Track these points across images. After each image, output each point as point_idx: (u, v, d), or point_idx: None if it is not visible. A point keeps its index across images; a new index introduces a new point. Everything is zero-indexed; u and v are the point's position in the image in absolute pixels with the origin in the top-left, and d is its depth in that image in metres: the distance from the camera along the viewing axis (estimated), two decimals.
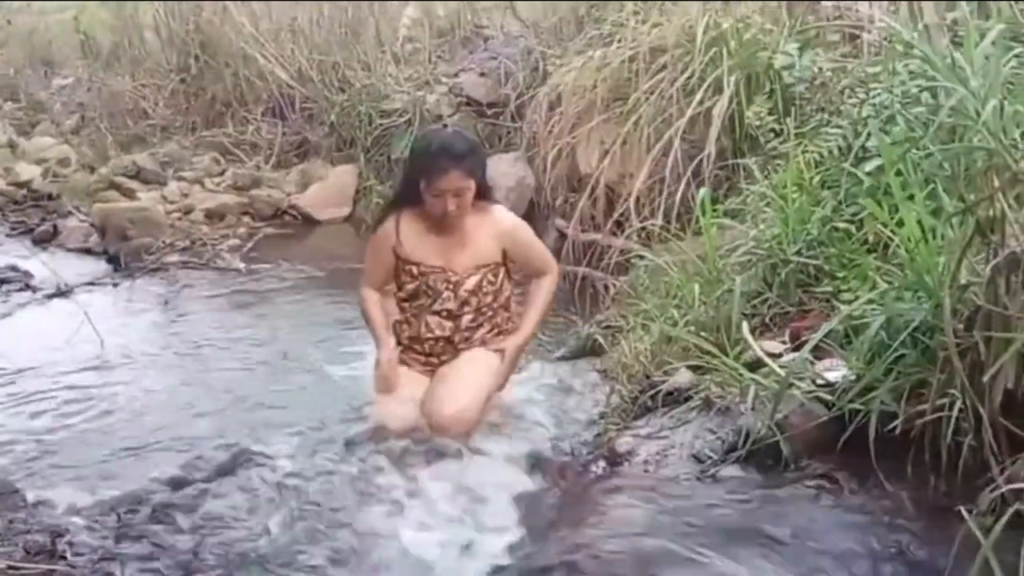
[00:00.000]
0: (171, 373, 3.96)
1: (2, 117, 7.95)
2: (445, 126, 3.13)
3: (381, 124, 6.32)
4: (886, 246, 2.65)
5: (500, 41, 6.54)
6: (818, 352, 2.64)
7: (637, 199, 4.29)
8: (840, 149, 2.99)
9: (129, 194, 6.28)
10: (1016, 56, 2.69)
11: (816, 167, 3.12)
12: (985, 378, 2.08)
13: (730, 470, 2.51)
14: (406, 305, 3.15)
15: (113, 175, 6.49)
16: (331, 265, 5.46)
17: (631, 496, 2.51)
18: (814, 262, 2.95)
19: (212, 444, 3.11)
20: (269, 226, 6.22)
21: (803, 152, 3.15)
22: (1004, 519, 1.83)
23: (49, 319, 4.61)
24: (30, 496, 2.75)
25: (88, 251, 5.68)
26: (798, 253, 2.97)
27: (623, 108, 4.49)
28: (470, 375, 3.03)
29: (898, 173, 2.46)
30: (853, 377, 2.45)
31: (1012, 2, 2.82)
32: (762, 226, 3.11)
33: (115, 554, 2.44)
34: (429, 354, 3.13)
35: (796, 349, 2.69)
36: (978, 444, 2.16)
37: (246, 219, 6.27)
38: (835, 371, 2.57)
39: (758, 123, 3.59)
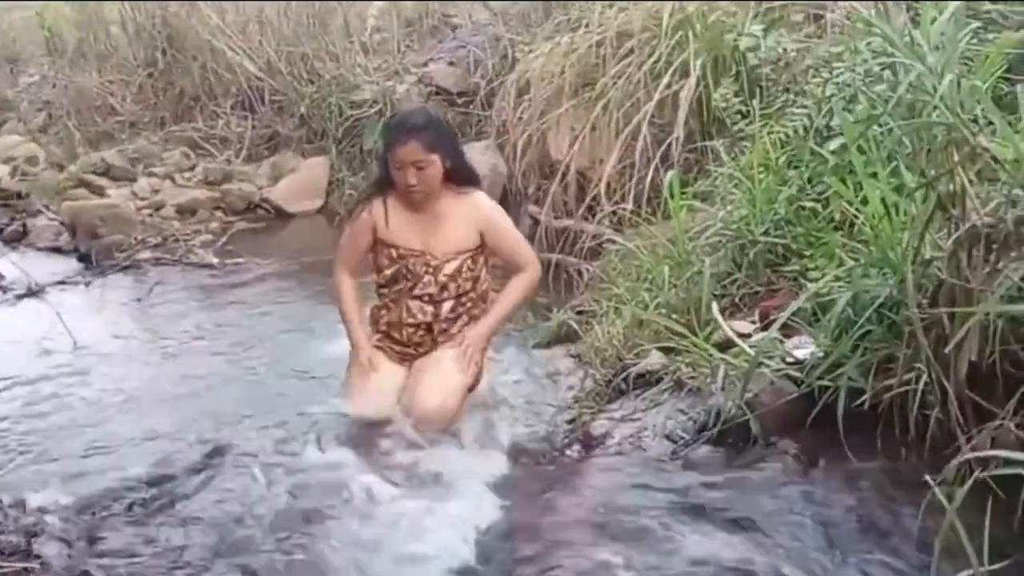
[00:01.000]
0: (145, 370, 3.93)
1: None
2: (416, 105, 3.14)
3: (351, 115, 6.29)
4: (852, 224, 2.68)
5: (468, 29, 6.52)
6: (787, 330, 2.67)
7: (608, 184, 4.30)
8: (805, 129, 3.02)
9: (99, 191, 6.22)
10: (975, 33, 2.74)
11: (782, 147, 3.14)
12: (947, 350, 2.10)
13: (702, 449, 2.54)
14: (385, 291, 3.14)
15: (82, 173, 6.42)
16: (305, 258, 5.43)
17: (606, 478, 2.54)
18: (782, 241, 2.98)
19: (187, 440, 3.11)
20: (241, 220, 6.18)
21: (769, 133, 3.17)
22: (967, 486, 1.87)
23: (20, 319, 4.56)
24: (4, 497, 2.73)
25: (59, 250, 5.62)
26: (766, 233, 2.99)
27: (591, 93, 4.50)
28: (450, 368, 3.02)
29: (861, 151, 2.49)
30: (821, 354, 2.48)
31: None
32: (730, 207, 3.13)
33: (90, 552, 2.43)
34: (407, 343, 3.12)
35: (765, 328, 2.72)
36: (945, 416, 2.19)
37: (218, 214, 6.23)
38: (804, 348, 2.60)
39: (724, 105, 3.61)
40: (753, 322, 2.88)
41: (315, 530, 2.50)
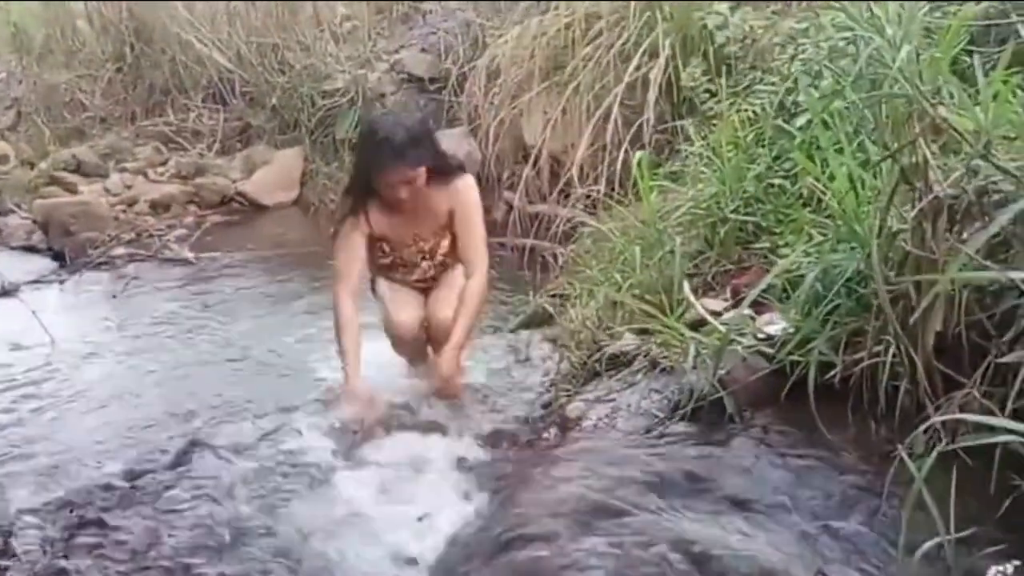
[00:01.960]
0: (121, 367, 3.92)
1: None
2: (387, 112, 3.13)
3: (324, 105, 6.27)
4: (819, 199, 2.69)
5: (438, 15, 6.50)
6: (759, 307, 2.68)
7: (581, 167, 4.31)
8: (772, 106, 3.03)
9: (71, 188, 6.17)
10: (938, 6, 2.75)
11: (750, 125, 3.15)
12: (912, 320, 2.12)
13: (677, 427, 2.55)
14: (385, 270, 3.26)
15: (53, 170, 6.37)
16: (281, 249, 5.44)
17: (582, 459, 2.54)
18: (752, 219, 2.99)
19: (164, 436, 3.11)
20: (216, 214, 6.17)
21: (737, 111, 3.18)
22: (933, 455, 1.89)
23: None
24: None
25: (32, 248, 5.59)
26: (736, 211, 3.01)
27: (562, 77, 4.50)
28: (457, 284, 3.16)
29: (827, 126, 2.50)
30: (792, 329, 2.50)
31: None
32: (700, 186, 3.14)
33: (67, 550, 2.42)
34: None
35: (737, 306, 2.74)
36: (914, 387, 2.21)
37: (192, 208, 6.21)
38: (775, 325, 2.61)
39: (693, 85, 3.62)
40: (725, 300, 2.90)
41: (292, 523, 2.50)
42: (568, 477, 2.47)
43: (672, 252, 3.01)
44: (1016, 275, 1.88)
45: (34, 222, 5.75)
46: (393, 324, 3.25)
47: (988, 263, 1.99)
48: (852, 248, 2.38)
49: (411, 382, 3.28)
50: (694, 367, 2.58)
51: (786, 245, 2.76)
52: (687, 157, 3.52)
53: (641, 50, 4.20)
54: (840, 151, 2.46)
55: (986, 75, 2.06)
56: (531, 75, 4.66)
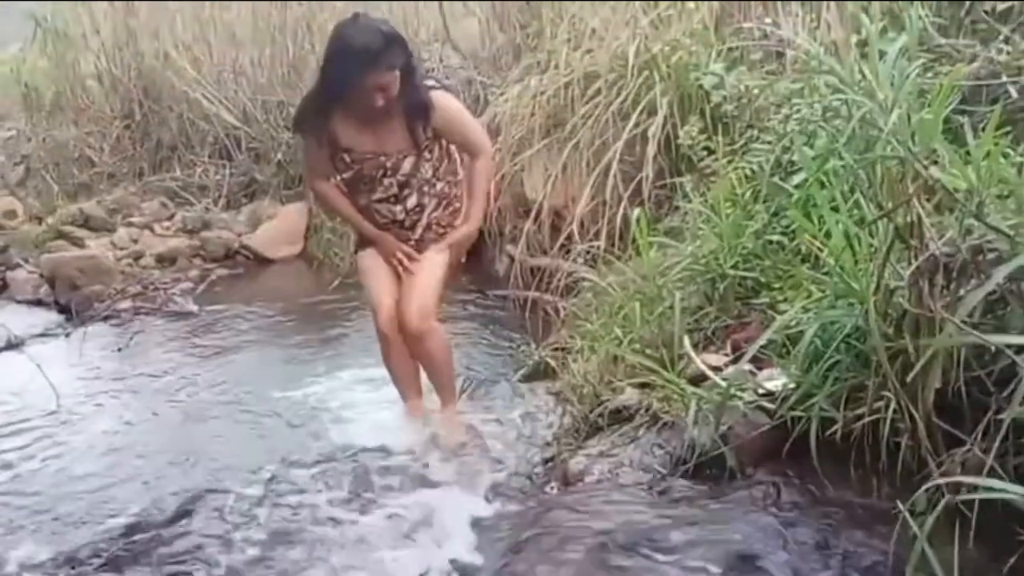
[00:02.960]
0: (125, 420, 3.92)
1: None
2: (359, 17, 2.97)
3: None
4: (817, 256, 2.73)
5: (441, 73, 6.61)
6: (759, 362, 2.71)
7: (581, 222, 4.36)
8: (769, 164, 3.08)
9: (78, 243, 6.23)
10: (929, 66, 2.82)
11: (748, 182, 3.20)
12: (908, 378, 2.14)
13: (679, 483, 2.56)
14: (350, 196, 3.21)
15: (61, 224, 6.44)
16: (285, 303, 5.47)
17: (585, 515, 2.55)
18: (751, 275, 3.02)
19: (166, 489, 3.10)
20: (221, 267, 6.21)
21: (734, 168, 3.24)
22: (936, 512, 1.90)
23: (1, 373, 4.55)
24: None
25: (39, 302, 5.60)
26: (735, 267, 3.04)
27: (562, 134, 4.57)
28: (420, 269, 3.21)
29: (822, 185, 2.54)
30: (792, 385, 2.52)
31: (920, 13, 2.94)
32: (699, 242, 3.18)
33: None
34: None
35: (737, 361, 2.76)
36: (915, 444, 2.22)
37: (197, 261, 6.25)
38: (775, 380, 2.63)
39: (690, 142, 3.68)
40: (725, 355, 2.92)
41: (294, 574, 2.50)
42: (571, 533, 2.48)
43: (672, 307, 3.03)
44: (1002, 340, 1.91)
45: (41, 276, 5.79)
46: (373, 298, 3.26)
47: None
48: (850, 304, 2.41)
49: (413, 435, 3.28)
50: (696, 422, 2.59)
51: (785, 300, 2.79)
52: (686, 213, 3.56)
53: (639, 108, 4.27)
54: (836, 209, 2.50)
55: (976, 135, 2.11)
56: (532, 132, 4.74)
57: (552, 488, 2.81)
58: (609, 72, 4.41)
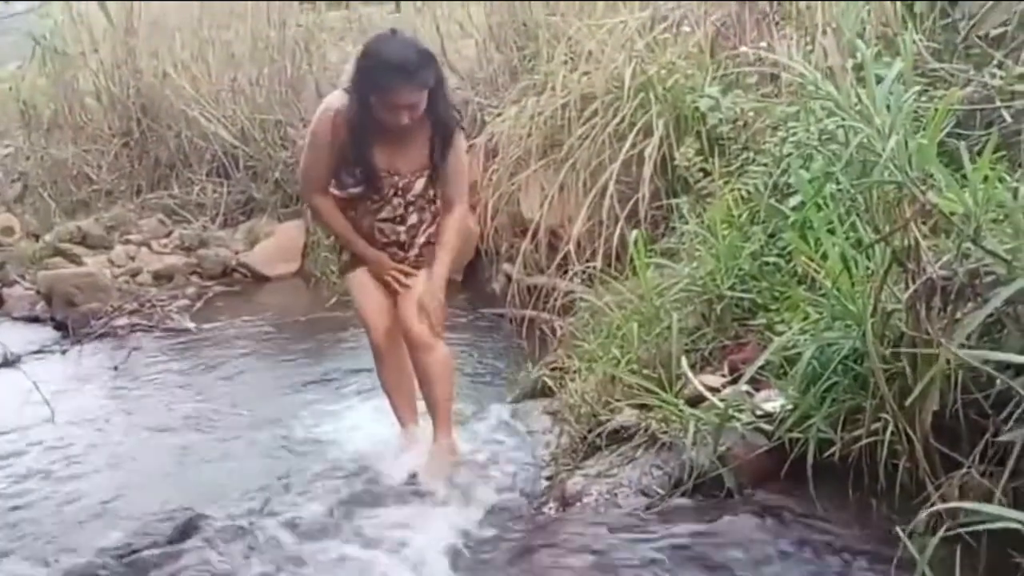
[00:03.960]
0: (121, 439, 3.90)
1: None
2: (395, 34, 2.93)
3: None
4: (814, 278, 2.75)
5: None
6: (757, 383, 2.72)
7: (578, 242, 4.38)
8: (765, 186, 3.11)
9: (75, 260, 6.23)
10: (924, 90, 2.85)
11: (744, 204, 3.23)
12: (908, 402, 2.16)
13: (677, 504, 2.57)
14: (347, 206, 3.11)
15: (58, 242, 6.44)
16: (282, 321, 5.47)
17: (583, 536, 2.55)
18: (747, 296, 3.04)
19: (166, 509, 3.08)
20: (218, 285, 6.20)
21: (731, 190, 3.26)
22: (937, 537, 1.91)
23: None
24: None
25: (35, 319, 5.60)
26: (732, 288, 3.06)
27: (559, 155, 4.60)
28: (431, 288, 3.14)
29: (819, 207, 2.57)
30: (790, 406, 2.54)
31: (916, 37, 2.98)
32: (696, 263, 3.20)
33: None
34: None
35: (735, 382, 2.77)
36: (913, 465, 2.24)
37: (195, 279, 6.25)
38: (773, 401, 2.65)
39: (687, 164, 3.71)
40: (723, 376, 2.93)
41: None
42: (569, 554, 2.48)
43: (669, 328, 3.05)
44: (998, 356, 1.92)
45: (38, 293, 5.78)
46: (371, 317, 3.22)
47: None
48: (847, 326, 2.43)
49: (410, 456, 3.28)
50: (694, 443, 2.61)
51: (782, 322, 2.81)
52: (682, 234, 3.58)
53: (636, 129, 4.30)
54: (832, 232, 2.53)
55: (973, 159, 2.13)
56: (529, 152, 4.76)
57: (550, 508, 2.81)
58: (606, 94, 4.44)
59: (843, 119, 2.19)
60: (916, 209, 2.13)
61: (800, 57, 3.04)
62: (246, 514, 2.98)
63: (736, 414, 2.60)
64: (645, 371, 2.99)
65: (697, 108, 3.96)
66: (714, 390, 2.79)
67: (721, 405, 2.62)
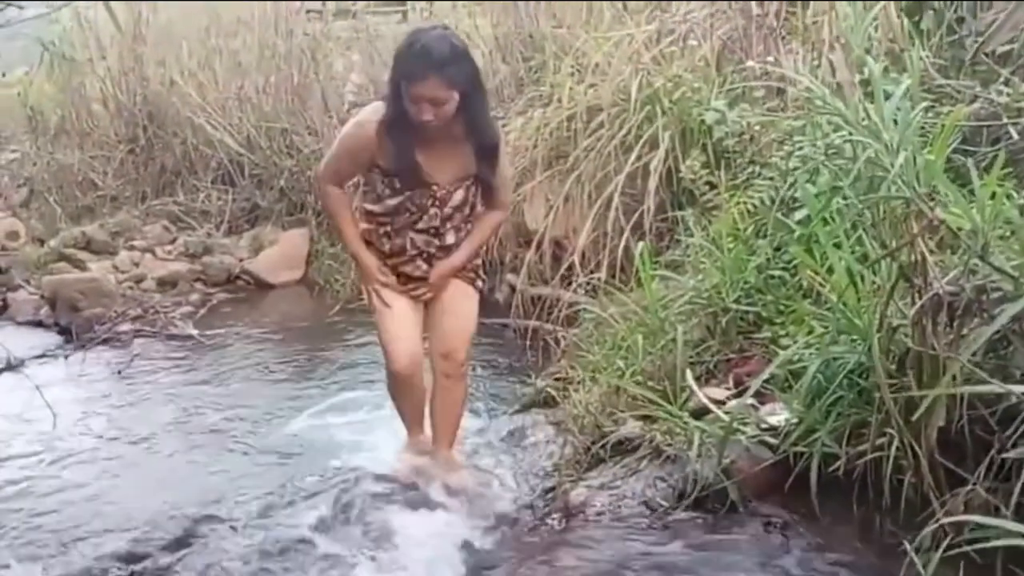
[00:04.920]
0: (124, 444, 3.91)
1: None
2: (437, 27, 2.87)
3: None
4: (819, 292, 2.75)
5: None
6: (761, 397, 2.72)
7: (583, 253, 4.38)
8: (771, 199, 3.11)
9: (79, 265, 6.23)
10: (931, 106, 2.86)
11: (750, 217, 3.23)
12: (914, 417, 2.16)
13: (681, 516, 2.57)
14: (385, 220, 2.99)
15: (63, 247, 6.44)
16: (285, 328, 5.48)
17: (587, 548, 2.55)
18: (753, 309, 3.05)
19: (167, 516, 3.08)
20: (222, 292, 6.21)
21: (736, 203, 3.27)
22: (940, 552, 1.91)
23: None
24: None
25: (39, 324, 5.60)
26: (737, 301, 3.07)
27: (564, 166, 4.61)
28: (460, 305, 3.12)
29: (825, 221, 2.57)
30: (795, 420, 2.53)
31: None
32: (701, 276, 3.21)
33: None
34: (407, 275, 3.07)
35: (739, 395, 2.77)
36: (918, 481, 2.24)
37: (199, 285, 6.25)
38: (778, 415, 2.65)
39: (692, 177, 3.72)
40: (728, 388, 2.93)
41: None
42: (572, 566, 2.48)
43: (674, 340, 3.05)
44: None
45: (42, 297, 5.79)
46: (393, 345, 3.05)
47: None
48: (853, 341, 2.43)
49: (411, 463, 3.27)
50: (698, 456, 2.60)
51: (787, 335, 2.81)
52: (687, 247, 3.59)
53: (641, 142, 4.30)
54: (838, 246, 2.53)
55: (980, 175, 2.14)
56: (534, 164, 4.77)
57: (553, 519, 2.81)
58: (612, 106, 4.46)
59: (851, 134, 2.20)
60: (924, 225, 2.13)
61: (807, 72, 3.06)
62: (247, 519, 2.99)
63: (741, 427, 2.60)
64: (650, 383, 2.99)
65: (703, 121, 3.97)
66: (719, 403, 2.79)
67: (726, 418, 2.61)
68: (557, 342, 4.11)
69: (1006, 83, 3.06)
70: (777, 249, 3.07)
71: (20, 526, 3.21)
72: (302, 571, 2.68)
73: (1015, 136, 2.84)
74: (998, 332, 2.07)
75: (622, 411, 3.01)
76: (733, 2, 4.41)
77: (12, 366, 4.79)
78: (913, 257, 2.21)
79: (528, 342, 4.46)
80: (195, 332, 5.38)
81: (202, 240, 6.63)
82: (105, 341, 5.27)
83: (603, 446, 2.93)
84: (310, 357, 4.88)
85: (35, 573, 2.79)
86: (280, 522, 2.96)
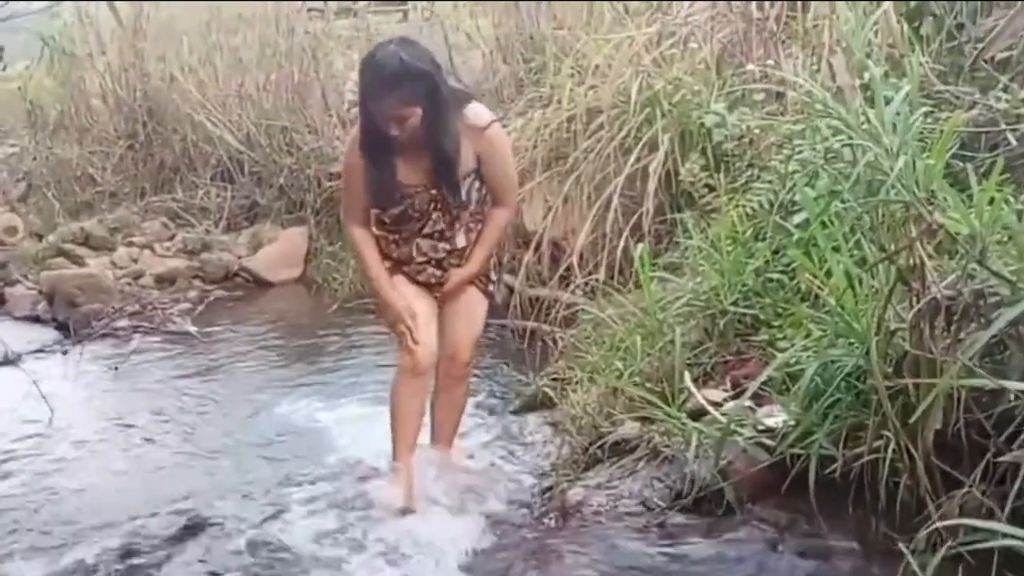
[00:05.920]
0: (120, 440, 3.92)
1: None
2: (392, 42, 2.80)
3: (330, 186, 6.37)
4: (817, 295, 2.76)
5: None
6: (759, 399, 2.73)
7: (581, 254, 4.39)
8: (770, 203, 3.13)
9: (78, 261, 6.24)
10: (929, 112, 2.87)
11: (749, 220, 3.24)
12: (911, 420, 2.17)
13: (678, 517, 2.58)
14: (393, 228, 3.01)
15: (61, 242, 6.45)
16: (283, 326, 5.48)
17: (584, 547, 2.56)
18: (751, 312, 3.06)
19: (162, 511, 3.09)
20: (220, 289, 6.21)
21: (735, 206, 3.28)
22: (938, 557, 1.92)
23: None
24: None
25: (36, 319, 5.61)
26: (735, 303, 3.08)
27: (564, 167, 4.62)
28: (469, 309, 3.13)
29: (824, 225, 2.58)
30: (792, 422, 2.55)
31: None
32: (700, 278, 3.22)
33: None
34: (420, 280, 3.07)
35: (737, 396, 2.78)
36: (914, 484, 2.25)
37: (197, 282, 6.26)
38: (775, 417, 2.66)
39: (692, 179, 3.73)
40: (725, 390, 2.94)
41: None
42: (569, 565, 2.49)
43: (672, 341, 3.06)
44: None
45: (40, 292, 5.79)
46: (412, 347, 3.00)
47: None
48: (851, 344, 2.44)
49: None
50: (696, 457, 2.61)
51: (784, 338, 2.82)
52: (686, 249, 3.60)
53: (641, 144, 4.31)
54: (837, 249, 2.54)
55: (978, 181, 2.15)
56: (534, 165, 4.77)
57: (550, 519, 2.81)
58: (612, 108, 4.46)
59: (851, 138, 2.21)
60: (922, 229, 2.15)
61: (807, 76, 3.07)
62: (244, 517, 2.99)
63: (738, 429, 2.61)
64: (647, 384, 3.00)
65: (703, 124, 3.98)
66: (716, 404, 2.80)
67: (723, 419, 2.63)
68: (555, 343, 4.12)
69: (1005, 89, 3.08)
70: (775, 252, 3.08)
71: (16, 520, 3.22)
72: (295, 571, 2.68)
73: (1013, 142, 2.86)
74: (995, 336, 2.08)
75: (620, 412, 3.02)
76: (734, 2, 4.41)
77: (9, 361, 4.79)
78: (911, 261, 2.22)
79: (526, 343, 4.47)
80: (193, 329, 5.39)
81: (201, 237, 6.64)
82: (102, 337, 5.28)
83: (601, 446, 2.95)
84: (308, 355, 4.88)
85: (30, 567, 2.79)
86: (276, 521, 2.97)
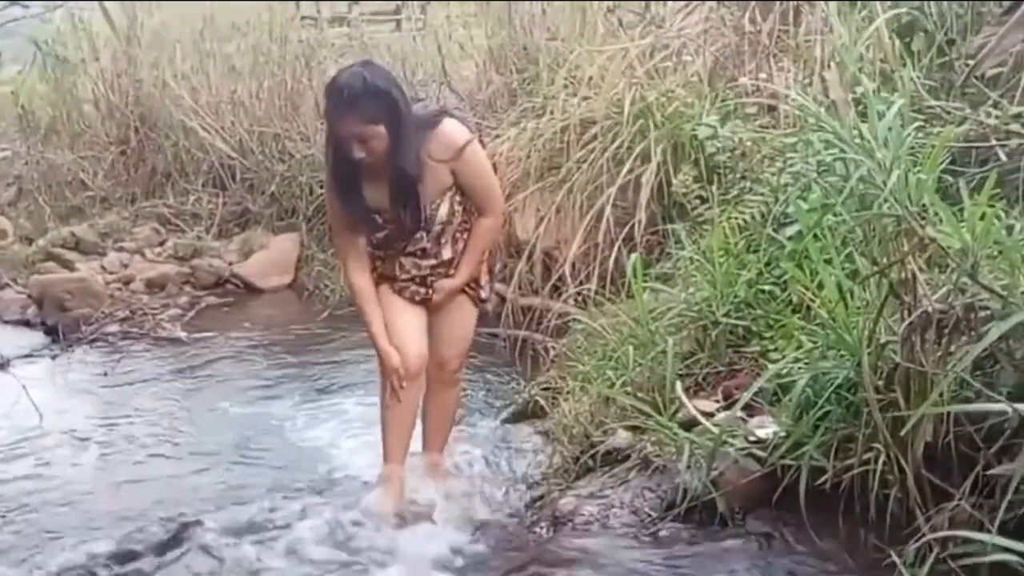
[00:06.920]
0: (110, 446, 3.91)
1: None
2: (355, 65, 2.85)
3: (321, 194, 6.37)
4: (809, 307, 2.78)
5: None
6: (750, 410, 2.74)
7: (573, 264, 4.40)
8: (762, 215, 3.14)
9: (68, 265, 6.22)
10: (921, 127, 2.90)
11: (741, 232, 3.26)
12: (901, 433, 2.18)
13: (669, 527, 2.58)
14: (379, 250, 3.04)
15: (51, 246, 6.44)
16: (274, 333, 5.47)
17: (574, 557, 2.56)
18: (742, 323, 3.07)
19: (152, 518, 3.08)
20: (211, 295, 6.21)
21: (728, 218, 3.30)
22: (927, 567, 1.93)
23: None
24: None
25: (26, 323, 5.59)
26: (727, 315, 3.09)
27: (557, 177, 4.63)
28: (457, 316, 3.15)
29: (816, 238, 2.60)
30: (783, 433, 2.55)
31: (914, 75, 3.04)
32: (692, 289, 3.23)
33: None
34: (403, 293, 3.08)
35: (728, 407, 2.79)
36: (904, 495, 2.26)
37: (187, 288, 6.25)
38: (766, 428, 2.66)
39: (684, 191, 3.75)
40: (717, 401, 2.95)
41: None
42: (560, 575, 2.49)
43: (664, 352, 3.07)
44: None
45: (29, 297, 5.78)
46: (403, 354, 3.00)
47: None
48: (842, 356, 2.45)
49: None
50: (687, 467, 2.62)
51: (776, 350, 2.83)
52: (678, 260, 3.61)
53: (634, 155, 4.33)
54: (829, 262, 2.56)
55: (971, 196, 2.17)
56: (527, 174, 4.79)
57: (541, 528, 2.81)
58: (605, 119, 4.48)
59: (844, 152, 2.23)
60: (914, 243, 2.17)
61: (799, 89, 3.09)
62: (234, 523, 2.99)
63: (729, 439, 2.61)
64: (639, 394, 3.00)
65: (695, 136, 4.00)
66: (708, 415, 2.80)
67: (715, 430, 2.63)
68: (546, 352, 4.12)
69: (995, 105, 3.11)
70: (767, 264, 3.10)
71: (5, 526, 3.20)
72: None
73: (1003, 157, 2.88)
74: (985, 350, 2.10)
75: (611, 422, 3.02)
76: (727, 14, 4.44)
77: None
78: (903, 274, 2.23)
79: (517, 352, 4.48)
80: (183, 335, 5.38)
81: (192, 243, 6.63)
82: (92, 342, 5.26)
83: (592, 456, 2.95)
84: (298, 362, 4.88)
85: (19, 572, 2.77)
86: (266, 526, 2.97)
